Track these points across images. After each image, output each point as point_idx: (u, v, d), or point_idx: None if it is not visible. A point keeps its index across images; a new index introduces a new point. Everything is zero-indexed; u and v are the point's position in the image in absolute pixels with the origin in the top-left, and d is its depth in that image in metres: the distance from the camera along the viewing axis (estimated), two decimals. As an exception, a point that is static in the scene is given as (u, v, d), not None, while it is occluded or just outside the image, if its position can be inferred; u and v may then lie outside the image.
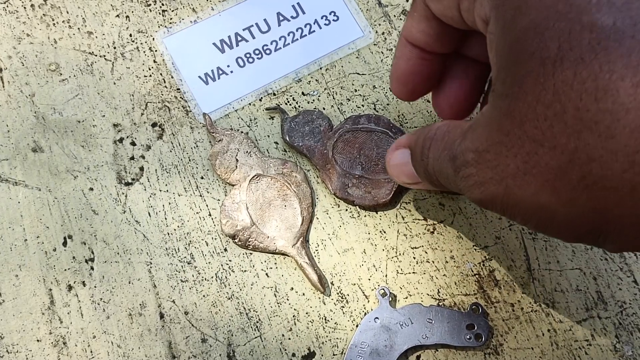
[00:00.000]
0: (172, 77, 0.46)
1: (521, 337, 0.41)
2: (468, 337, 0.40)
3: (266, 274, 0.42)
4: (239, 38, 0.48)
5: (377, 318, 0.40)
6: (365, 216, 0.44)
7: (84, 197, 0.43)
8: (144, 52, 0.47)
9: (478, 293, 0.42)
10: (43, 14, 0.48)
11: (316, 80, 0.47)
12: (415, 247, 0.43)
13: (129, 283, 0.42)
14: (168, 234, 0.43)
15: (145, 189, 0.44)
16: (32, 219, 0.43)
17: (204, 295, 0.41)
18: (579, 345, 0.41)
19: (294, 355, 0.41)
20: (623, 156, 0.21)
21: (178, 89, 0.46)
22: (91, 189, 0.43)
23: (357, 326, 0.41)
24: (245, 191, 0.43)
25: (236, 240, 0.42)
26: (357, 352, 0.40)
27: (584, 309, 0.42)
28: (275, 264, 0.42)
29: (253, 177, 0.43)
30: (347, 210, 0.44)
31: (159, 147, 0.45)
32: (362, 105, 0.46)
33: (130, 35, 0.47)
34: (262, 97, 0.46)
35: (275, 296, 0.42)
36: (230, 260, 0.42)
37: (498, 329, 0.41)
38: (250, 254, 0.43)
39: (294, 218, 0.43)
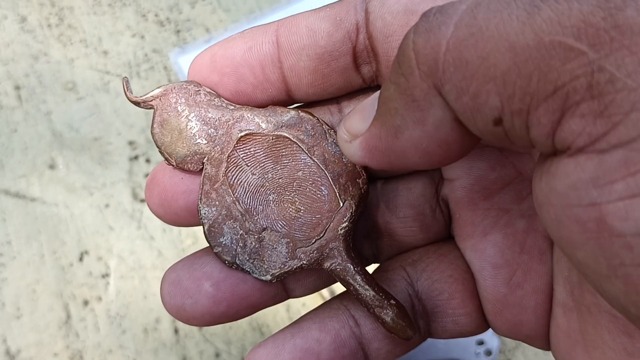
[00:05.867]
0: (186, 96, 0.47)
1: (529, 353, 0.42)
2: (477, 352, 0.40)
3: (279, 290, 0.43)
4: (252, 57, 0.49)
5: (388, 333, 0.41)
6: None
7: (100, 214, 0.44)
8: (159, 70, 0.48)
9: (486, 309, 0.43)
10: (60, 34, 0.49)
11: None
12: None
13: (145, 298, 0.42)
14: (183, 250, 0.44)
15: (160, 206, 0.45)
16: (49, 234, 0.43)
17: (217, 310, 0.42)
18: None
19: (306, 369, 0.41)
20: None
21: (192, 107, 0.47)
22: (107, 205, 0.44)
23: (368, 341, 0.42)
24: None
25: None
26: (369, 366, 0.40)
27: (591, 324, 0.43)
28: (288, 279, 0.43)
29: None
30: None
31: (174, 164, 0.46)
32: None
33: (146, 54, 0.48)
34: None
35: (288, 312, 0.43)
36: (243, 276, 0.43)
37: (506, 345, 0.42)
38: (263, 269, 0.43)
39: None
